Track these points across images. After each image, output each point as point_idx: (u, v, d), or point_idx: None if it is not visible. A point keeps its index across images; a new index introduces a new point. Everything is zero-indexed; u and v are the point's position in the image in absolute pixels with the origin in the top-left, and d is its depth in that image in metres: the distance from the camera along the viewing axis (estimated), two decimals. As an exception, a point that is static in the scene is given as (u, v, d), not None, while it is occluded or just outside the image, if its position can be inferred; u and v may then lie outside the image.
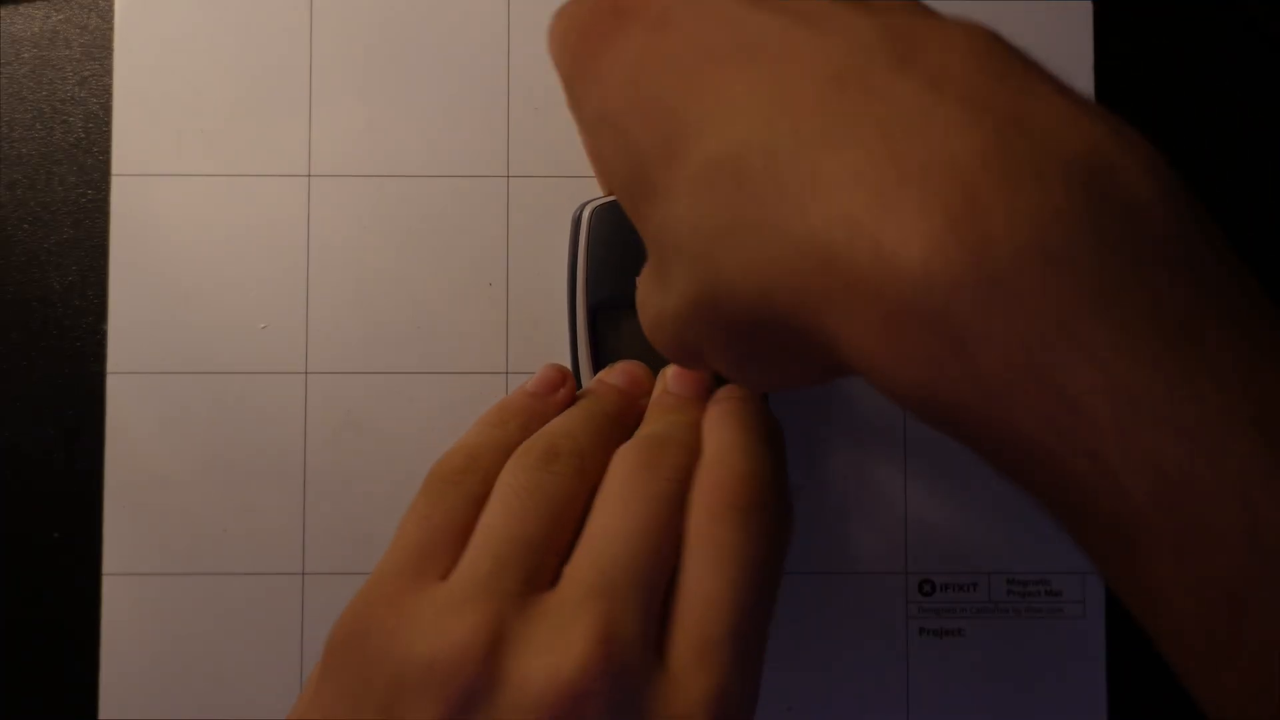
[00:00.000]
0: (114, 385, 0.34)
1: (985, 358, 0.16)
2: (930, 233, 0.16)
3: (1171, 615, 0.16)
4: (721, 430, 0.25)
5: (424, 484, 0.24)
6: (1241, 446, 0.15)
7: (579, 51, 0.21)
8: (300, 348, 0.35)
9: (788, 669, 0.34)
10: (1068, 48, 0.35)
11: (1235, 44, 0.36)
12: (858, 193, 0.16)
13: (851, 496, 0.35)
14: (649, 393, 0.28)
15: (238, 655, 0.34)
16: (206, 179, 0.35)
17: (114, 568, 0.34)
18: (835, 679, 0.35)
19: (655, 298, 0.22)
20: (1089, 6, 0.35)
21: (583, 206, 0.30)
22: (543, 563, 0.22)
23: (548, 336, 0.35)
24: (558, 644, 0.20)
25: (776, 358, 0.20)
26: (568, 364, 0.30)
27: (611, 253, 0.29)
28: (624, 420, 0.27)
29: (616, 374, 0.28)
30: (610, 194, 0.30)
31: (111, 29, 0.35)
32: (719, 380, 0.28)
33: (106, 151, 0.35)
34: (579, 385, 0.29)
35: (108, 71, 0.35)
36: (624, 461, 0.24)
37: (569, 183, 0.35)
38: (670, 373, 0.28)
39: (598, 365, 0.29)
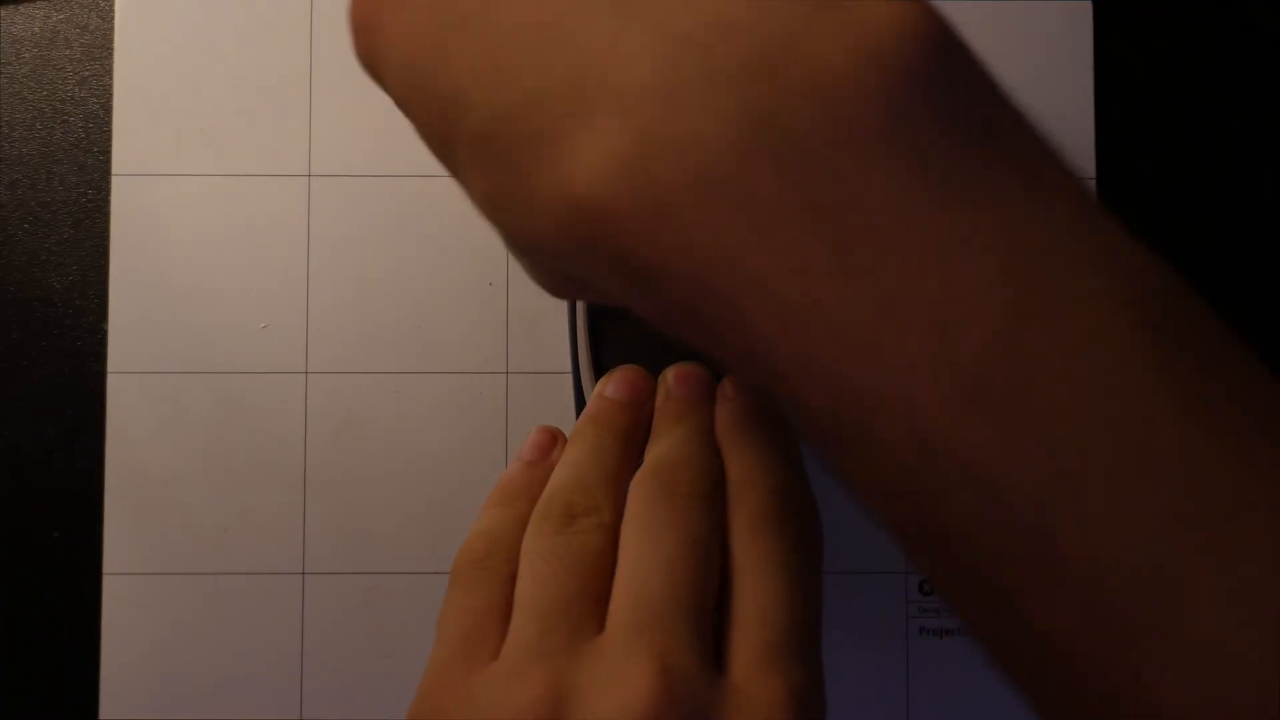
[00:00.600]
0: (114, 385, 0.34)
1: (669, 290, 0.16)
2: (604, 178, 0.16)
3: (867, 504, 0.18)
4: (743, 449, 0.25)
5: (451, 578, 0.25)
6: (906, 355, 0.15)
7: (361, 45, 0.21)
8: (300, 348, 0.35)
9: (788, 669, 0.34)
10: (1068, 48, 0.35)
11: (1235, 44, 0.36)
12: (563, 149, 0.16)
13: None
14: (652, 396, 0.28)
15: (238, 655, 0.34)
16: (206, 179, 0.35)
17: (114, 568, 0.34)
18: (835, 679, 0.35)
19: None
20: (1089, 6, 0.35)
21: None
22: (587, 612, 0.22)
23: (548, 336, 0.35)
24: (619, 684, 0.21)
25: (586, 287, 0.21)
26: (568, 364, 0.30)
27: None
28: (633, 437, 0.27)
29: (616, 385, 0.28)
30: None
31: (111, 29, 0.35)
32: (717, 374, 0.28)
33: (106, 151, 0.35)
34: (579, 385, 0.29)
35: (108, 71, 0.35)
36: (641, 496, 0.24)
37: (569, 183, 0.35)
38: (671, 376, 0.28)
39: (598, 365, 0.29)
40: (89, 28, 0.35)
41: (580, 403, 0.29)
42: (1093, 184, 0.35)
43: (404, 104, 0.20)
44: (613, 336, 0.29)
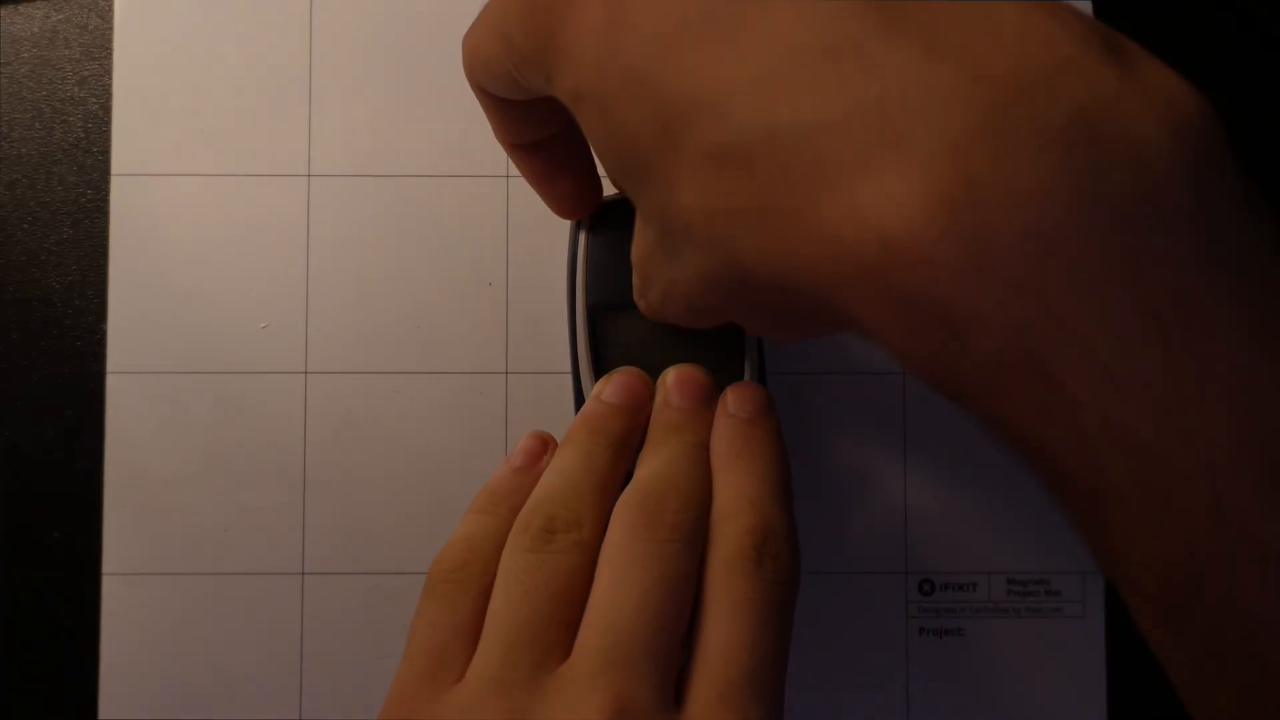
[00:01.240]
0: (114, 385, 0.34)
1: (979, 341, 0.16)
2: (929, 222, 0.16)
3: (1134, 585, 0.17)
4: (735, 476, 0.25)
5: (426, 584, 0.25)
6: (1212, 426, 0.15)
7: (533, 27, 0.21)
8: (300, 348, 0.35)
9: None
10: (1068, 48, 0.35)
11: (1235, 44, 0.36)
12: (863, 181, 0.16)
13: (852, 496, 0.35)
14: (650, 400, 0.28)
15: (238, 655, 0.34)
16: (206, 179, 0.35)
17: (114, 568, 0.34)
18: (835, 679, 0.35)
19: (663, 269, 0.22)
20: (1088, 6, 0.35)
21: (583, 206, 0.30)
22: (553, 640, 0.22)
23: (548, 336, 0.35)
24: None
25: (797, 318, 0.21)
26: (568, 364, 0.30)
27: (611, 253, 0.29)
28: (627, 443, 0.27)
29: (613, 389, 0.28)
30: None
31: (111, 29, 0.35)
32: (719, 380, 0.28)
33: (106, 151, 0.35)
34: (578, 385, 0.29)
35: (108, 71, 0.35)
36: (624, 523, 0.24)
37: (569, 183, 0.35)
38: (671, 380, 0.27)
39: (597, 365, 0.29)
40: (89, 28, 0.35)
41: (580, 403, 0.29)
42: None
43: (591, 96, 0.20)
44: (613, 337, 0.29)
